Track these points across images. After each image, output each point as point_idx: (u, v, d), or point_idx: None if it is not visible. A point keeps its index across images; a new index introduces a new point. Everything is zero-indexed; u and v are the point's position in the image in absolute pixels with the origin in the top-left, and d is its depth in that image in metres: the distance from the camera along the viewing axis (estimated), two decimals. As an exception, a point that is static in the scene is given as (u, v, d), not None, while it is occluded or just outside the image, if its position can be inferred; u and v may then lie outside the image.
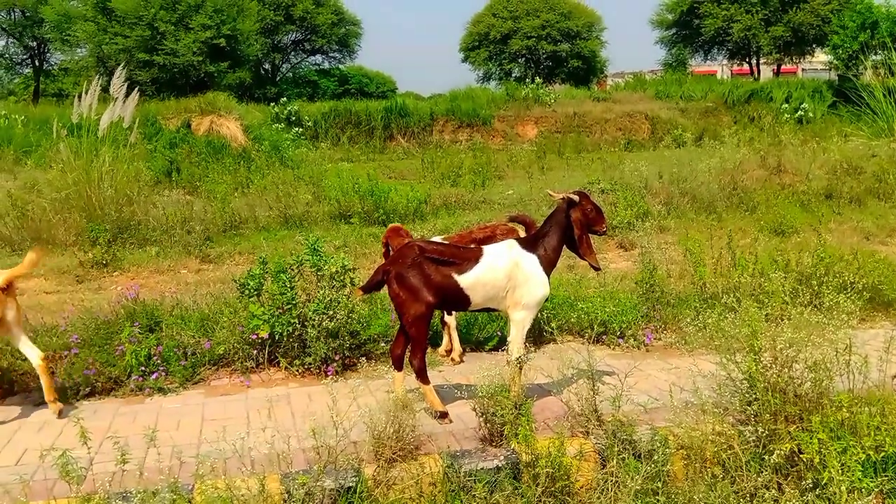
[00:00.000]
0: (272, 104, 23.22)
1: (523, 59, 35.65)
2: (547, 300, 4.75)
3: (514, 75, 35.04)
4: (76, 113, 9.60)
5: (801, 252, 6.55)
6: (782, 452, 3.51)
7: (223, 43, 24.39)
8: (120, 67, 10.14)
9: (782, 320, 4.09)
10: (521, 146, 21.42)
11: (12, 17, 30.90)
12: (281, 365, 5.21)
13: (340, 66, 36.86)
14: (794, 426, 3.69)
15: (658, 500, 3.50)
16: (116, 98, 9.65)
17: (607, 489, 3.59)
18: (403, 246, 4.38)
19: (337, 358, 5.11)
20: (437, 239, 5.05)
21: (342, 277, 5.22)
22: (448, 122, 23.85)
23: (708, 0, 32.31)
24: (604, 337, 5.65)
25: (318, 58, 36.38)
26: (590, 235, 4.43)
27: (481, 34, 35.75)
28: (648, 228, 7.15)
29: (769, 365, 3.78)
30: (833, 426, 3.64)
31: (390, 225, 5.59)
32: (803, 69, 39.94)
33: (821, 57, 32.54)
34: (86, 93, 9.54)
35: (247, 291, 5.31)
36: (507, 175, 15.09)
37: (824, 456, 3.51)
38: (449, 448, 3.87)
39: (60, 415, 4.44)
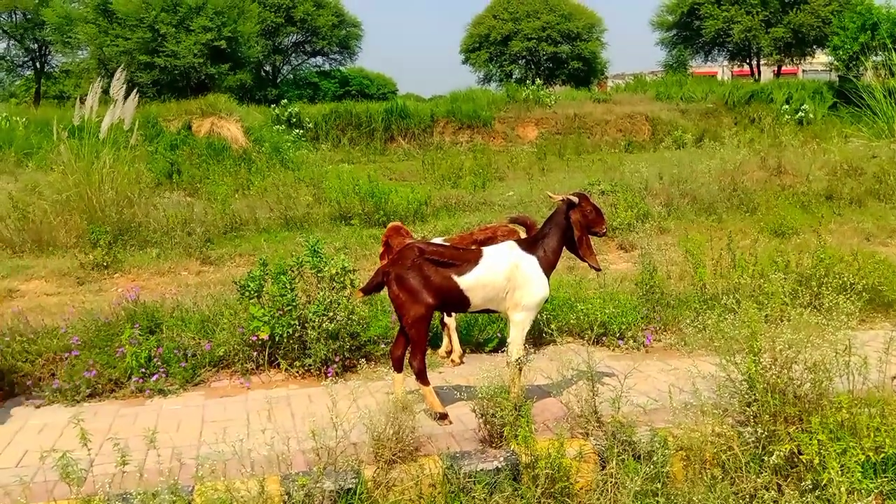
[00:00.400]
0: (273, 106, 23.24)
1: (524, 60, 35.64)
2: (547, 301, 4.75)
3: (514, 77, 35.04)
4: (78, 115, 9.62)
5: (801, 253, 6.55)
6: (782, 453, 3.51)
7: (224, 45, 24.40)
8: (119, 69, 10.15)
9: (782, 321, 4.09)
10: (521, 147, 21.41)
11: (13, 19, 30.94)
12: (281, 366, 5.22)
13: (341, 68, 36.88)
14: (794, 427, 3.70)
15: (657, 502, 3.50)
16: (117, 100, 9.66)
17: (607, 490, 3.59)
18: (403, 247, 4.39)
19: (337, 359, 5.11)
20: (438, 240, 5.06)
21: (342, 279, 5.23)
22: (448, 123, 23.85)
23: (708, 1, 32.31)
24: (603, 338, 5.65)
25: (319, 59, 36.41)
26: (590, 237, 4.43)
27: (482, 36, 35.74)
28: (648, 230, 7.17)
29: (769, 366, 3.78)
30: (833, 427, 3.64)
31: (391, 223, 5.60)
32: (804, 70, 39.93)
33: (821, 58, 32.52)
34: (87, 95, 9.56)
35: (247, 293, 5.32)
36: (508, 176, 15.09)
37: (824, 457, 3.51)
38: (449, 449, 3.87)
39: None
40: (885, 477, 3.61)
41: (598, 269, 4.58)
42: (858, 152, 12.94)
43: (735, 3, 31.68)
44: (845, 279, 4.95)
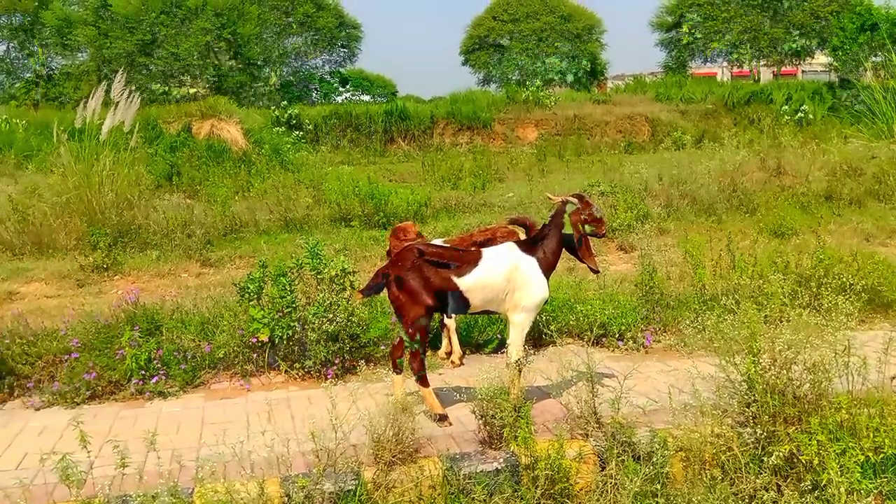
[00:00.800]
0: (273, 108, 23.24)
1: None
2: (546, 303, 4.76)
3: (514, 78, 35.02)
4: (80, 118, 9.62)
5: (801, 254, 6.55)
6: (781, 454, 3.52)
7: (224, 47, 24.43)
8: (120, 71, 10.15)
9: (781, 322, 4.10)
10: (521, 149, 21.40)
11: (13, 21, 30.93)
12: (281, 368, 5.22)
13: (341, 70, 36.87)
14: (793, 428, 3.70)
15: (657, 502, 3.50)
16: (117, 102, 9.67)
17: (606, 491, 3.60)
18: (403, 249, 4.39)
19: (337, 361, 5.12)
20: (438, 242, 5.06)
21: (342, 281, 5.23)
22: (448, 124, 23.84)
23: (707, 2, 32.31)
24: (603, 339, 5.65)
25: (319, 61, 36.38)
26: (589, 238, 4.43)
27: (481, 37, 35.77)
28: (648, 231, 7.17)
29: (768, 367, 3.79)
30: (832, 428, 3.64)
31: (396, 224, 5.61)
32: (803, 71, 39.93)
33: (820, 59, 32.53)
34: (88, 97, 9.56)
35: (247, 295, 5.32)
36: (508, 178, 15.09)
37: (823, 457, 3.52)
38: (448, 451, 3.87)
39: None
40: (885, 477, 3.61)
41: (597, 272, 4.58)
42: (858, 153, 12.94)
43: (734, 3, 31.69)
44: (844, 280, 4.96)
